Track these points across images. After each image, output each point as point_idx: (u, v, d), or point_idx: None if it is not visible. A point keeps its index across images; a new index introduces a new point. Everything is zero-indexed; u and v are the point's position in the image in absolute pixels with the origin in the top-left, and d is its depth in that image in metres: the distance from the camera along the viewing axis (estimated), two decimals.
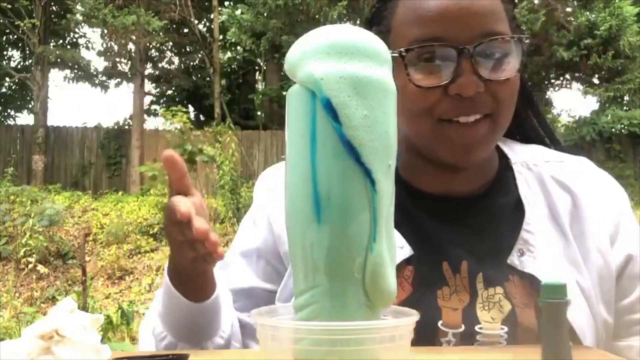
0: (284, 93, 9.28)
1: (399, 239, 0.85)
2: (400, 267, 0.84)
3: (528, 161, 0.96)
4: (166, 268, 0.84)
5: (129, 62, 12.52)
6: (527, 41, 0.85)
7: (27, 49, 12.86)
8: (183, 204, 0.70)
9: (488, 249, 0.87)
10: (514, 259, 0.86)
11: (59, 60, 12.44)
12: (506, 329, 0.82)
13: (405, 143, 0.90)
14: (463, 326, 0.83)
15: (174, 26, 13.27)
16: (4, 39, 13.98)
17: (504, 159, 0.97)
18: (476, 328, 0.82)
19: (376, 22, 0.92)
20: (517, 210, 0.90)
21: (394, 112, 0.62)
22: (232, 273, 0.98)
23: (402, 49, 0.83)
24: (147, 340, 0.89)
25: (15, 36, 13.25)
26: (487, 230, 0.89)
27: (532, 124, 1.02)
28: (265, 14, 11.04)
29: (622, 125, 11.02)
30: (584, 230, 0.89)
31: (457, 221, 0.90)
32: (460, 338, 0.82)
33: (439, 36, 0.81)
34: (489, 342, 0.82)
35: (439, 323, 0.83)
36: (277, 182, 0.94)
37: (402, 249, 0.86)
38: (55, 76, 46.74)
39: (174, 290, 0.81)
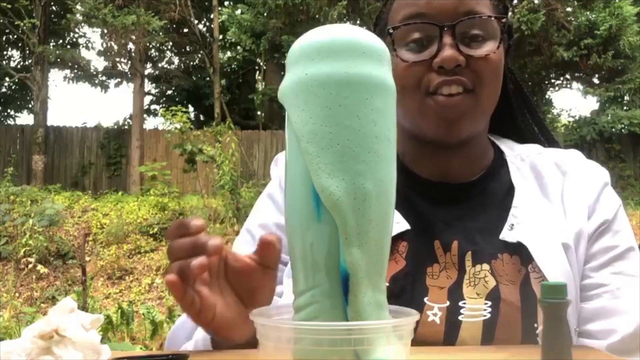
0: None
1: (395, 216, 0.90)
2: (395, 242, 0.89)
3: (522, 154, 1.01)
4: None
5: (129, 62, 12.52)
6: (504, 21, 0.93)
7: (27, 49, 12.85)
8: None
9: (479, 228, 0.93)
10: (505, 235, 0.91)
11: (58, 60, 12.44)
12: (489, 303, 0.86)
13: (402, 131, 0.96)
14: (448, 302, 0.87)
15: (174, 26, 13.27)
16: (4, 39, 13.98)
17: (499, 153, 1.03)
18: (460, 303, 0.87)
19: (378, 24, 1.00)
20: (509, 194, 0.96)
21: (393, 109, 0.62)
22: (242, 243, 0.99)
23: (389, 27, 0.92)
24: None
25: (15, 36, 13.26)
26: (479, 212, 0.95)
27: (529, 125, 1.07)
28: (265, 14, 11.05)
29: (622, 125, 11.03)
30: (569, 197, 0.95)
31: (451, 204, 0.96)
32: (446, 312, 0.87)
33: (423, 13, 0.90)
34: (472, 316, 0.86)
35: (425, 299, 0.88)
36: None
37: (398, 223, 0.91)
38: (55, 76, 46.81)
39: (207, 332, 0.80)
